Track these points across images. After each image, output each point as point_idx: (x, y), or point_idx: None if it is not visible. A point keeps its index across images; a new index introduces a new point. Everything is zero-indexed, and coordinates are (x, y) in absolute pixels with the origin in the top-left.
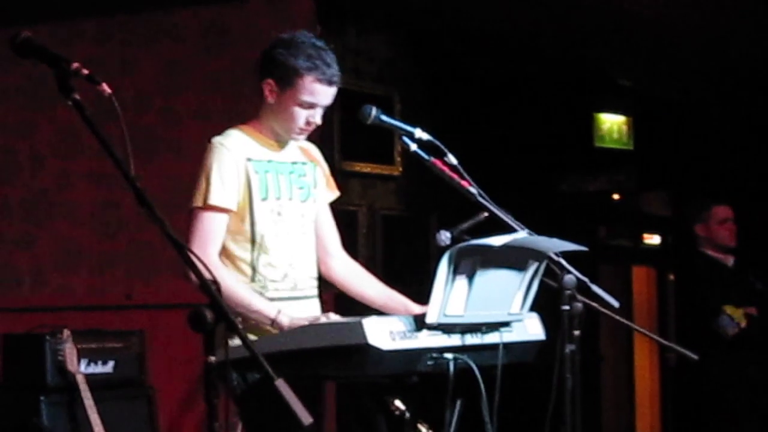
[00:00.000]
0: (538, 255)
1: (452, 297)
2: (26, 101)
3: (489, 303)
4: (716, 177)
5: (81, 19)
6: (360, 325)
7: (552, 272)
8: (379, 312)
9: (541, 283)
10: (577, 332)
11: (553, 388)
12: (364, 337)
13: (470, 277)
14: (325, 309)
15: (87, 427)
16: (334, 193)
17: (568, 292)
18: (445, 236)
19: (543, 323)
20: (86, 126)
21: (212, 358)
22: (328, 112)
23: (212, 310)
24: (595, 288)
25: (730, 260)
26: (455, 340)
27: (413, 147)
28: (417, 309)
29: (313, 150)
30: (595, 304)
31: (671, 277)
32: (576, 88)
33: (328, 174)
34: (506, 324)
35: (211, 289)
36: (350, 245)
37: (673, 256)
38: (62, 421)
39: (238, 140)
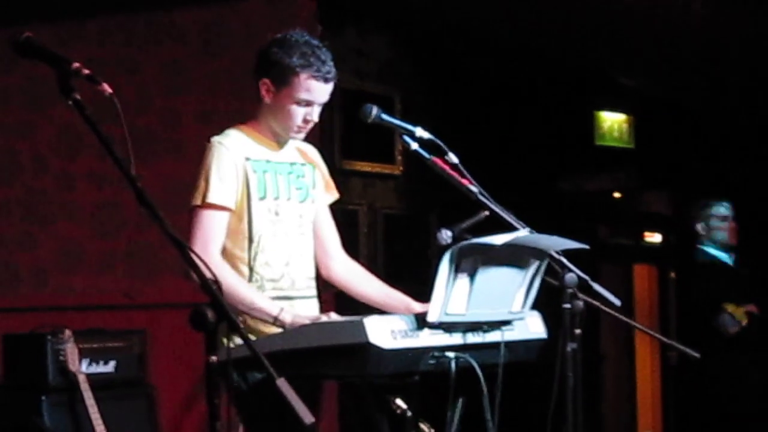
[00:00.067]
0: (540, 253)
1: (453, 296)
2: (27, 101)
3: (490, 301)
4: (717, 175)
5: (81, 19)
6: (361, 324)
7: (553, 271)
8: (380, 311)
9: (543, 282)
10: (578, 331)
11: (555, 387)
12: (365, 336)
13: (471, 276)
14: (325, 309)
15: (88, 427)
16: (333, 196)
17: (570, 290)
18: (446, 235)
19: (544, 322)
20: (87, 126)
21: (214, 358)
22: (329, 111)
23: (213, 310)
24: (596, 286)
25: (731, 259)
26: (457, 338)
27: (414, 146)
28: (418, 307)
29: (312, 152)
30: (596, 303)
31: (672, 275)
32: (576, 87)
33: (328, 177)
34: (508, 322)
35: (212, 289)
36: (351, 244)
37: (674, 255)
38: (63, 421)
39: (237, 140)
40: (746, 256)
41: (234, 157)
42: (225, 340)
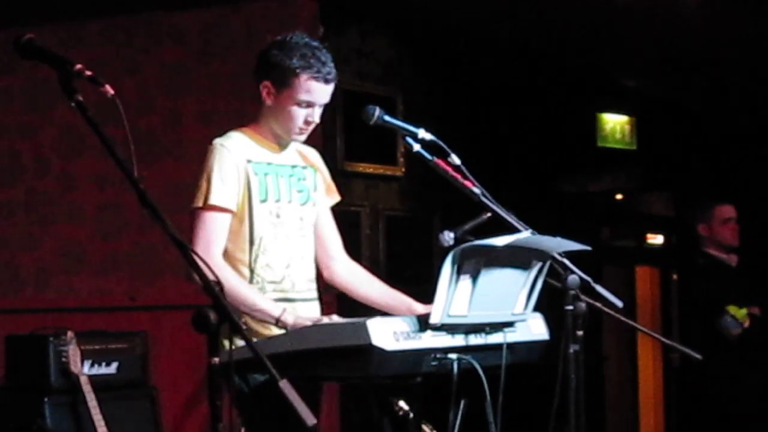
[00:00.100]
0: (542, 255)
1: (456, 297)
2: (29, 103)
3: (493, 303)
4: (719, 176)
5: (83, 21)
6: (364, 325)
7: (555, 272)
8: (382, 313)
9: (545, 283)
10: (580, 332)
11: (557, 388)
12: (367, 337)
13: (474, 278)
14: (327, 311)
15: (90, 429)
16: (334, 198)
17: (572, 292)
18: (448, 236)
19: (547, 323)
20: (89, 127)
21: (216, 360)
22: (331, 113)
23: (216, 311)
24: (598, 288)
25: (733, 260)
26: (459, 340)
27: (416, 147)
28: (421, 309)
29: (314, 155)
30: (598, 304)
31: (674, 277)
32: (579, 89)
33: (329, 180)
34: (510, 324)
35: (214, 290)
36: (353, 246)
37: (677, 256)
38: (66, 422)
39: (238, 142)
40: (748, 258)
41: (236, 159)
42: (226, 342)
